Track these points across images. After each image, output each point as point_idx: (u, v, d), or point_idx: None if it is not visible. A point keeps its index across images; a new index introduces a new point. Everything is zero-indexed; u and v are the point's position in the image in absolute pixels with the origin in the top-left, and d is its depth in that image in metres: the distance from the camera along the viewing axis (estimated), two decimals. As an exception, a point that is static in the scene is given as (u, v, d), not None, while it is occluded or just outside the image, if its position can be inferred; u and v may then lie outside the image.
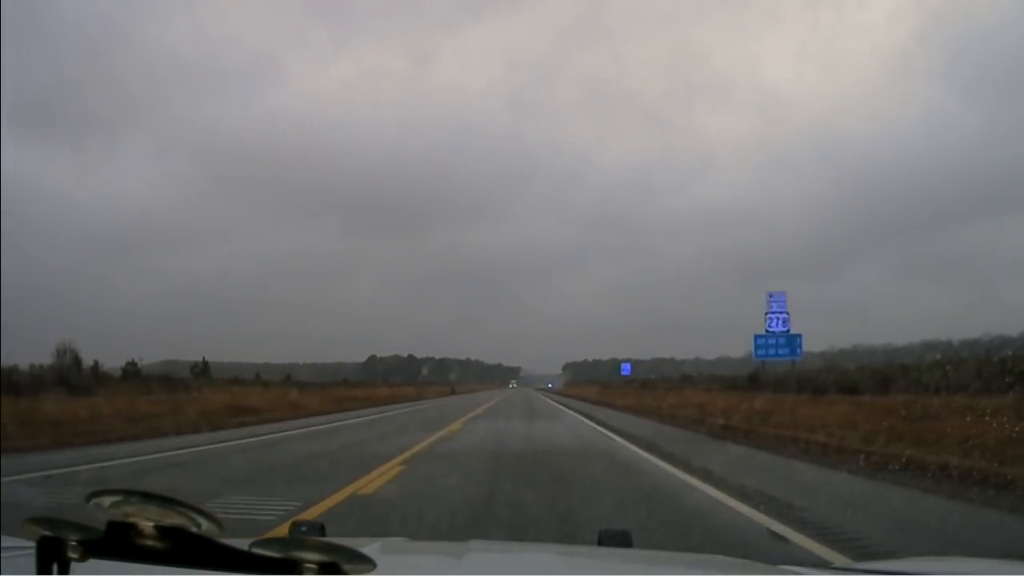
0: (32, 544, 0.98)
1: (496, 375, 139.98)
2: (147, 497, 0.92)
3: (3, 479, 8.09)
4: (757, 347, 28.85)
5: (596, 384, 70.17)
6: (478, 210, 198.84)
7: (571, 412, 29.73)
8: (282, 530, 4.58)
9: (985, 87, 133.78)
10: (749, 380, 29.54)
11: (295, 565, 0.89)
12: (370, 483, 8.32)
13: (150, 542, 0.91)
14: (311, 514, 6.18)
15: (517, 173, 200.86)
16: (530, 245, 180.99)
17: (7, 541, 1.57)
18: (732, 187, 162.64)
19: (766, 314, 28.81)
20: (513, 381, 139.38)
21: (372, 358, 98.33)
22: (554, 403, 43.05)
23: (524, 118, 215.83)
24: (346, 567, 0.89)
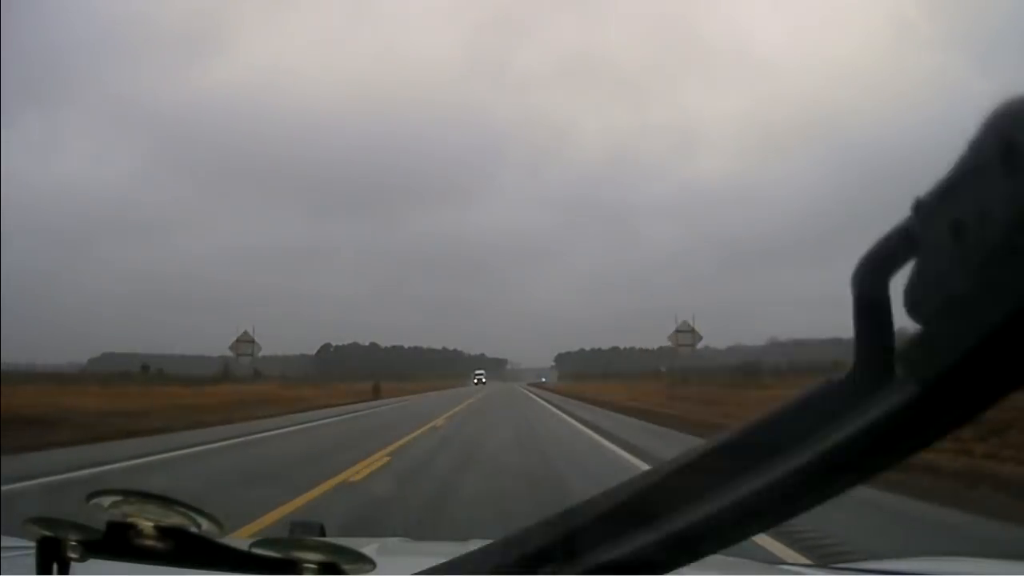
0: (32, 544, 0.98)
1: (477, 366, 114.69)
2: (147, 497, 0.93)
3: None
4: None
5: (596, 378, 53.92)
6: (460, 193, 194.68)
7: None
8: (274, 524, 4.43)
9: (999, 56, 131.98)
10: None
11: (295, 565, 0.89)
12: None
13: (150, 542, 0.92)
14: None
15: (497, 153, 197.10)
16: (518, 231, 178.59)
17: (7, 541, 1.58)
18: (735, 168, 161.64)
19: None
20: (481, 373, 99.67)
21: (326, 347, 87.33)
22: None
23: (509, 97, 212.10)
24: (346, 567, 0.89)
